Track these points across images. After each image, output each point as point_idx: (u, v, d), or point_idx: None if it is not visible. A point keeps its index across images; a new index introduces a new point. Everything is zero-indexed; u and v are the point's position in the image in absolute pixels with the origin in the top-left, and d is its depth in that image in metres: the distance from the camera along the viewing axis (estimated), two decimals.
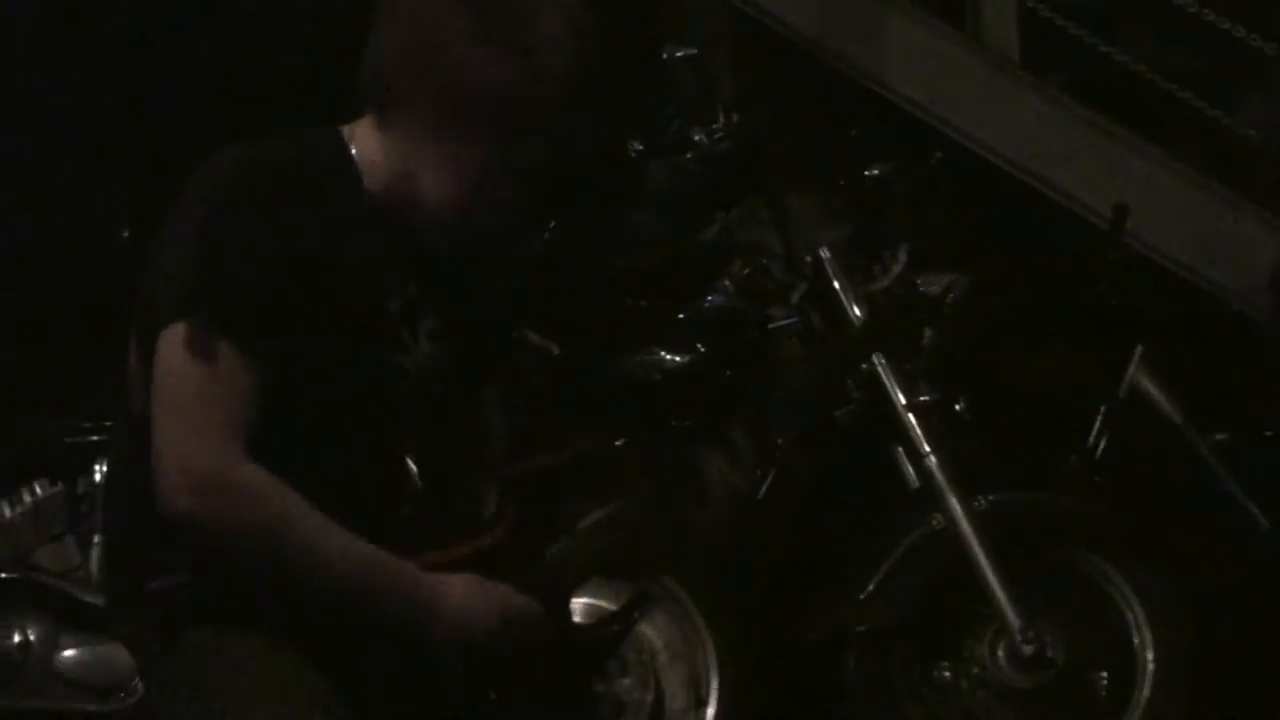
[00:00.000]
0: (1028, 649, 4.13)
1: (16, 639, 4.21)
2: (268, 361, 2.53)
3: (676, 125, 4.40)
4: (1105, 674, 4.26)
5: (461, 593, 2.58)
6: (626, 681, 4.26)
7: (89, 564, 4.30)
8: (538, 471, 3.95)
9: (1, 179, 4.63)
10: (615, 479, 3.88)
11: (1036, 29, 5.07)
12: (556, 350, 4.28)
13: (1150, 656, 4.23)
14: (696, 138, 4.34)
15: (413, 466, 2.68)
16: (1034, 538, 4.26)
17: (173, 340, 2.52)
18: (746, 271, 4.30)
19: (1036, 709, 4.21)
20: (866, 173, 4.42)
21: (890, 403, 4.22)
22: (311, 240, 2.58)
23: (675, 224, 4.47)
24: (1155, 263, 4.84)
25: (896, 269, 4.27)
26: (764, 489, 4.21)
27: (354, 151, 2.67)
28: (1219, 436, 4.38)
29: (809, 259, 4.31)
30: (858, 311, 4.25)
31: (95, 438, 4.31)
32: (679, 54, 4.39)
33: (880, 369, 4.24)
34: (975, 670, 4.24)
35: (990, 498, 4.21)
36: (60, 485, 4.31)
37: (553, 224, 4.34)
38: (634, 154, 4.37)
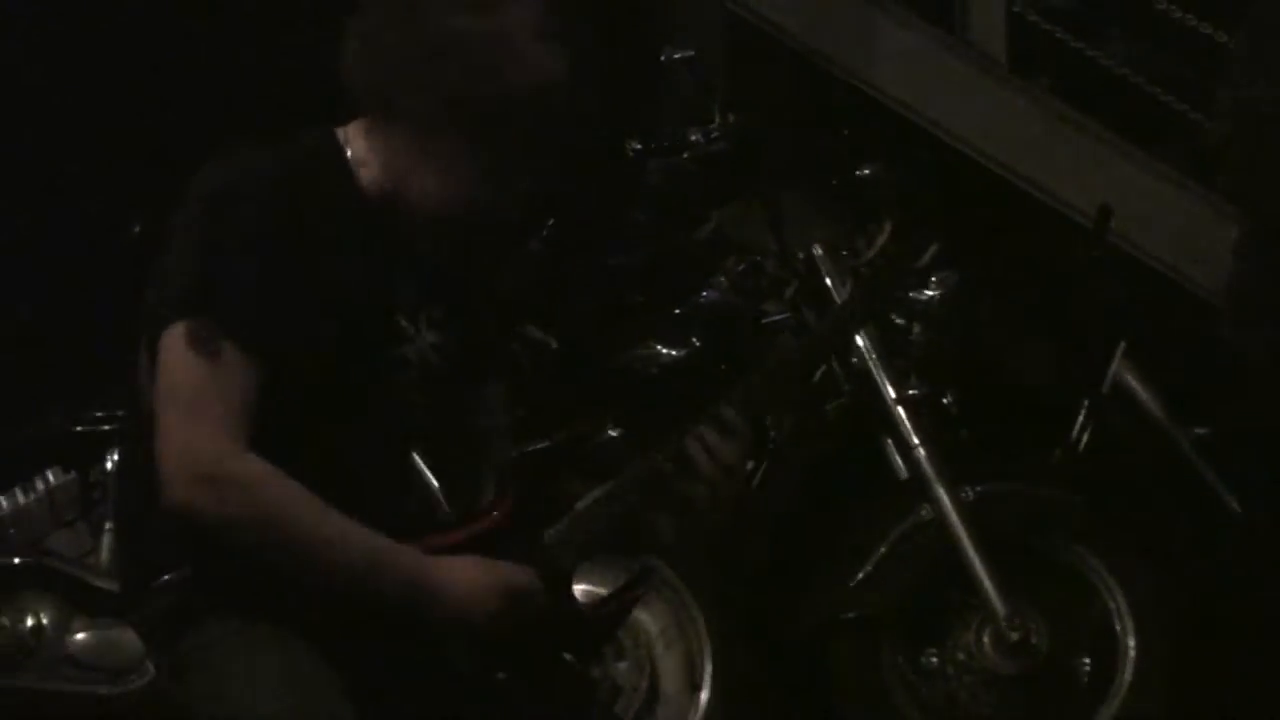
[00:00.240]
0: (1013, 636, 4.14)
1: (29, 622, 4.22)
2: (267, 357, 2.57)
3: (673, 126, 4.38)
4: (1088, 660, 4.29)
5: (462, 573, 2.60)
6: (623, 666, 4.27)
7: (100, 550, 4.28)
8: (535, 455, 4.00)
9: (15, 174, 4.60)
10: (611, 461, 3.87)
11: (1024, 33, 5.07)
12: (555, 344, 4.27)
13: (1131, 644, 4.24)
14: (693, 138, 4.32)
15: (415, 454, 2.73)
16: (1019, 528, 4.27)
17: (174, 339, 2.56)
18: (741, 268, 4.30)
19: (1021, 695, 4.23)
20: (857, 172, 4.38)
21: (880, 397, 4.23)
22: (306, 239, 2.61)
23: (672, 222, 4.44)
24: (1138, 261, 4.81)
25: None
26: (757, 480, 4.21)
27: (349, 153, 2.70)
28: (1199, 431, 4.37)
29: (801, 256, 4.29)
30: None
31: (107, 427, 4.28)
32: (676, 56, 4.35)
33: (871, 363, 4.23)
34: (961, 657, 4.26)
35: (977, 489, 4.23)
36: (73, 473, 4.30)
37: (551, 221, 4.32)
38: (632, 153, 4.33)
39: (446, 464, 2.76)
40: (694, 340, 4.31)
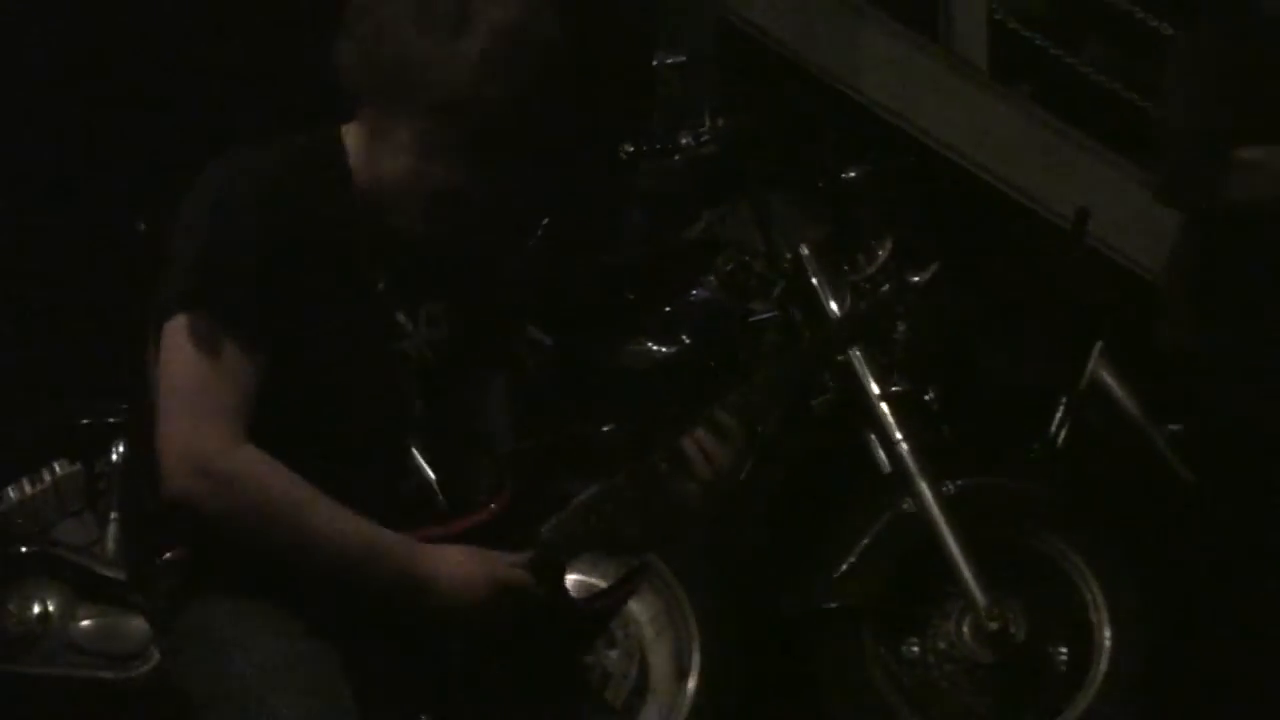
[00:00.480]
0: (992, 625, 4.17)
1: (36, 609, 4.24)
2: (266, 351, 2.58)
3: (665, 129, 4.39)
4: (1064, 650, 4.32)
5: (456, 563, 2.61)
6: (613, 654, 4.29)
7: (106, 539, 4.31)
8: (532, 451, 4.00)
9: (22, 171, 4.60)
10: (606, 457, 3.95)
11: (1004, 40, 5.11)
12: (550, 342, 4.28)
13: (1107, 634, 4.28)
14: (684, 140, 4.34)
15: (413, 447, 2.72)
16: (998, 521, 4.31)
17: (176, 332, 2.57)
18: (730, 267, 4.31)
19: (999, 682, 4.27)
20: (843, 175, 4.41)
21: (864, 393, 4.25)
22: (304, 236, 2.61)
23: (663, 222, 4.46)
24: (1115, 262, 4.84)
25: (882, 257, 4.27)
26: (745, 473, 4.09)
27: (348, 151, 2.69)
28: (1173, 428, 4.37)
29: (789, 256, 4.32)
30: (834, 306, 4.25)
31: (112, 420, 4.31)
32: (669, 62, 4.41)
33: (855, 361, 4.23)
34: (941, 645, 4.30)
35: (958, 483, 4.26)
36: (79, 465, 4.32)
37: (546, 221, 4.32)
38: (625, 155, 4.35)
39: (444, 458, 2.75)
40: (684, 337, 4.33)
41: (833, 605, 4.29)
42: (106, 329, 3.71)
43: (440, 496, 2.72)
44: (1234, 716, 4.08)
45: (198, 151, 2.68)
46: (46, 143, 4.69)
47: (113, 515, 4.32)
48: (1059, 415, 4.42)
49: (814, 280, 4.30)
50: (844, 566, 4.29)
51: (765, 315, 4.33)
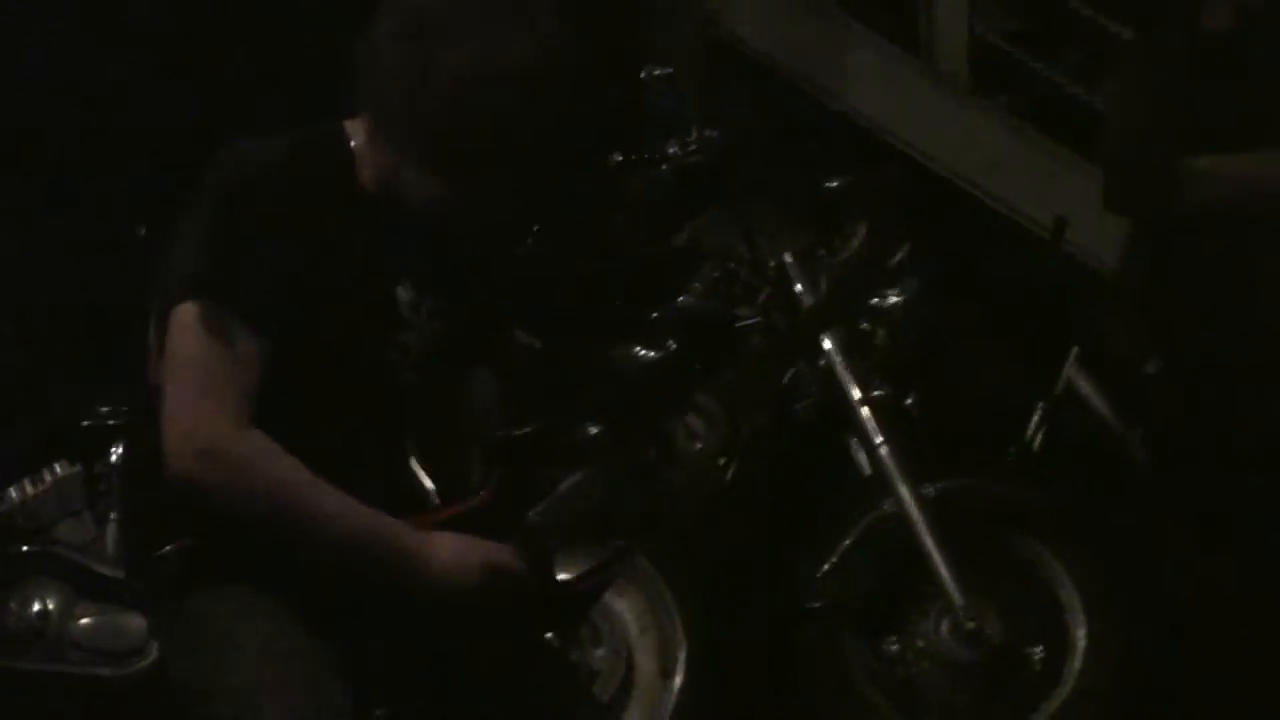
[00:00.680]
0: (969, 625, 4.20)
1: (36, 608, 4.26)
2: (272, 339, 2.60)
3: (652, 139, 4.42)
4: (1040, 649, 4.35)
5: (448, 548, 2.64)
6: (600, 651, 4.32)
7: (105, 538, 4.33)
8: (519, 440, 3.87)
9: (23, 172, 4.60)
10: (592, 449, 3.91)
11: (985, 54, 5.13)
12: (538, 345, 4.29)
13: (1081, 634, 4.30)
14: (671, 150, 4.38)
15: (407, 436, 2.75)
16: (976, 523, 4.33)
17: (182, 318, 2.59)
18: (715, 275, 4.35)
19: (976, 680, 4.29)
20: (826, 184, 4.44)
21: (845, 397, 4.28)
22: (308, 227, 2.64)
23: (650, 230, 4.50)
24: (1091, 269, 4.82)
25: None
26: (730, 475, 4.19)
27: (353, 146, 2.72)
28: (1145, 432, 4.30)
29: (773, 264, 4.35)
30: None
31: (111, 422, 4.34)
32: (656, 73, 4.42)
33: (837, 367, 4.26)
34: (920, 644, 4.32)
35: (937, 485, 4.28)
36: (79, 466, 4.35)
37: (536, 228, 4.35)
38: (613, 165, 4.38)
39: (436, 446, 2.76)
40: (671, 343, 4.35)
41: (815, 604, 4.31)
42: (106, 329, 3.73)
43: (431, 484, 2.75)
44: (1207, 715, 4.09)
45: (198, 154, 2.70)
46: (46, 143, 4.70)
47: (112, 515, 4.35)
48: (1035, 420, 4.44)
49: (797, 287, 4.34)
50: (826, 567, 4.32)
51: (750, 321, 4.36)
